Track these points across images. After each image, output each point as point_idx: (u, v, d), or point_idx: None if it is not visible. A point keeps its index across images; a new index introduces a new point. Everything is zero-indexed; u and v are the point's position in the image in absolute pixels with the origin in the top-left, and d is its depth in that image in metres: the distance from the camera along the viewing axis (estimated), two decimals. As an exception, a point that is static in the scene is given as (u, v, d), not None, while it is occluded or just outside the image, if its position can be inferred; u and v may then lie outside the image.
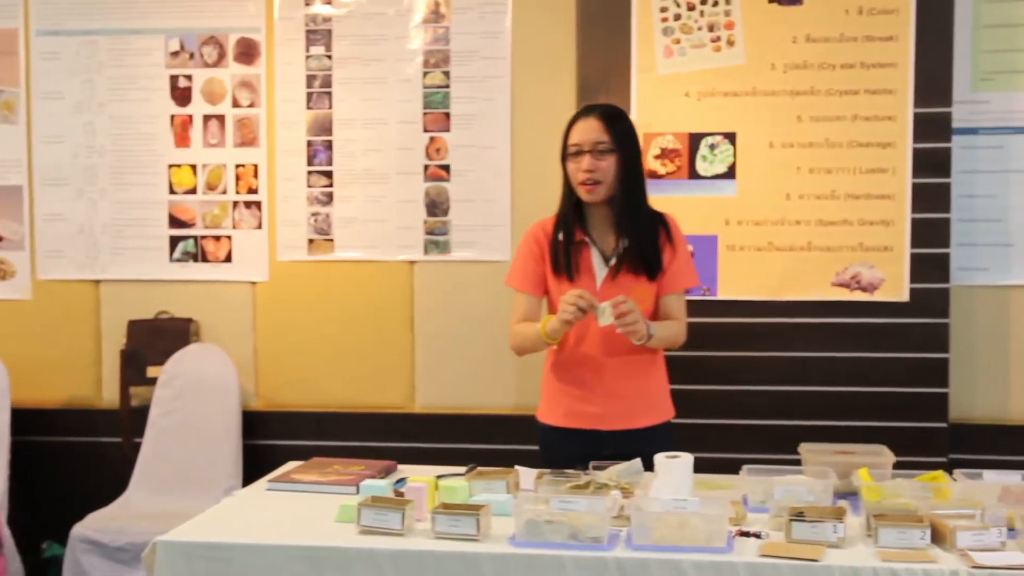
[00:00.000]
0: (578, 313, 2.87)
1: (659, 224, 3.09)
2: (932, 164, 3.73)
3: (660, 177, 3.81)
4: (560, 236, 3.08)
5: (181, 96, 4.20)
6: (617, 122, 3.04)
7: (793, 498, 2.49)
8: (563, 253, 3.06)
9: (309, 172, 4.16)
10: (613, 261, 3.04)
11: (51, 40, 4.24)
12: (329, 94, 4.13)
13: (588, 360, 3.06)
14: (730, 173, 3.82)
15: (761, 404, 3.80)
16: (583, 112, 3.08)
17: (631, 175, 3.03)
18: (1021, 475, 2.63)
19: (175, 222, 4.23)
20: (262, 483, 2.93)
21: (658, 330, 3.01)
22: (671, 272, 3.08)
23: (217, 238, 4.21)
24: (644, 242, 3.03)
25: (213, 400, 4.06)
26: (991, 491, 2.55)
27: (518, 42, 4.04)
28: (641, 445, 2.89)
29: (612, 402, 3.06)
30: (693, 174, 3.81)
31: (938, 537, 2.30)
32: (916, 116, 3.72)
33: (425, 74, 4.09)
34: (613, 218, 3.05)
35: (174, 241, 4.23)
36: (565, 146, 3.05)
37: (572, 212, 3.07)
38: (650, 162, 3.80)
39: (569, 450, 3.03)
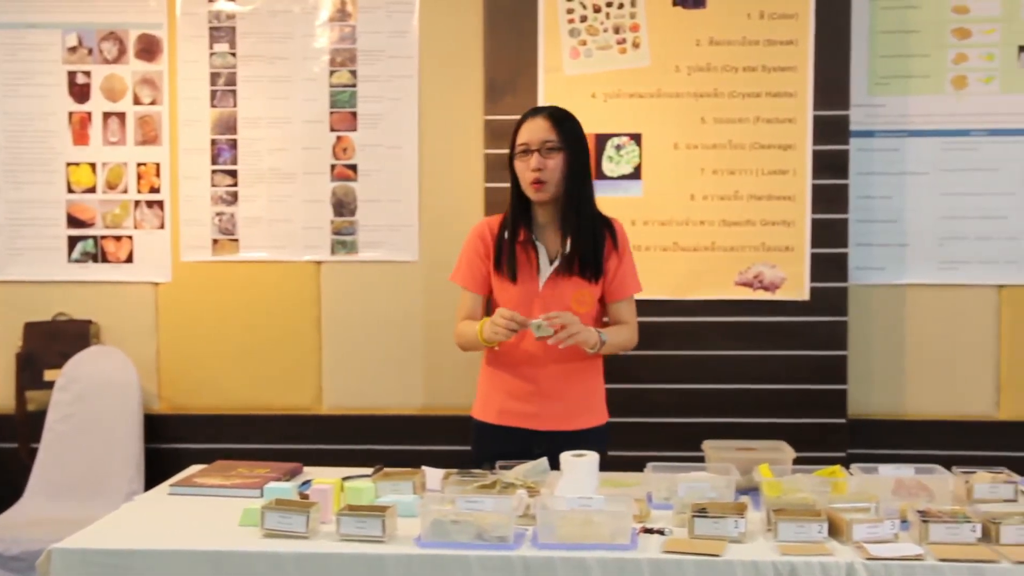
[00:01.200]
0: (509, 334, 2.89)
1: (605, 228, 3.10)
2: (831, 166, 3.82)
3: (567, 177, 3.83)
4: (505, 235, 3.08)
5: (80, 92, 4.10)
6: (565, 122, 3.05)
7: (696, 494, 2.53)
8: (508, 253, 3.06)
9: (213, 171, 4.09)
10: (557, 262, 3.05)
11: (-58, 33, 4.11)
12: (234, 92, 4.07)
13: (526, 360, 3.05)
14: (636, 174, 3.86)
15: (666, 402, 3.85)
16: (531, 112, 3.09)
17: (578, 174, 3.04)
18: (914, 468, 2.70)
19: (74, 222, 4.13)
20: (164, 487, 2.87)
21: (611, 336, 3.04)
22: (619, 278, 3.09)
23: (118, 238, 4.12)
24: (588, 243, 3.03)
25: (113, 403, 3.97)
26: (885, 485, 2.62)
27: (425, 42, 4.03)
28: (574, 447, 2.87)
29: (548, 403, 3.06)
30: (600, 174, 3.84)
31: (835, 530, 2.36)
32: (815, 119, 3.81)
33: (331, 73, 4.06)
34: (559, 218, 3.06)
35: (72, 241, 4.13)
36: (513, 146, 3.06)
37: (520, 212, 3.08)
38: (557, 162, 3.82)
39: (501, 448, 3.02)
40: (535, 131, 3.02)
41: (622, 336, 3.11)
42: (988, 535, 2.32)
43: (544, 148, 2.99)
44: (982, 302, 3.98)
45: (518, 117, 3.09)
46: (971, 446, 3.84)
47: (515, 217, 3.08)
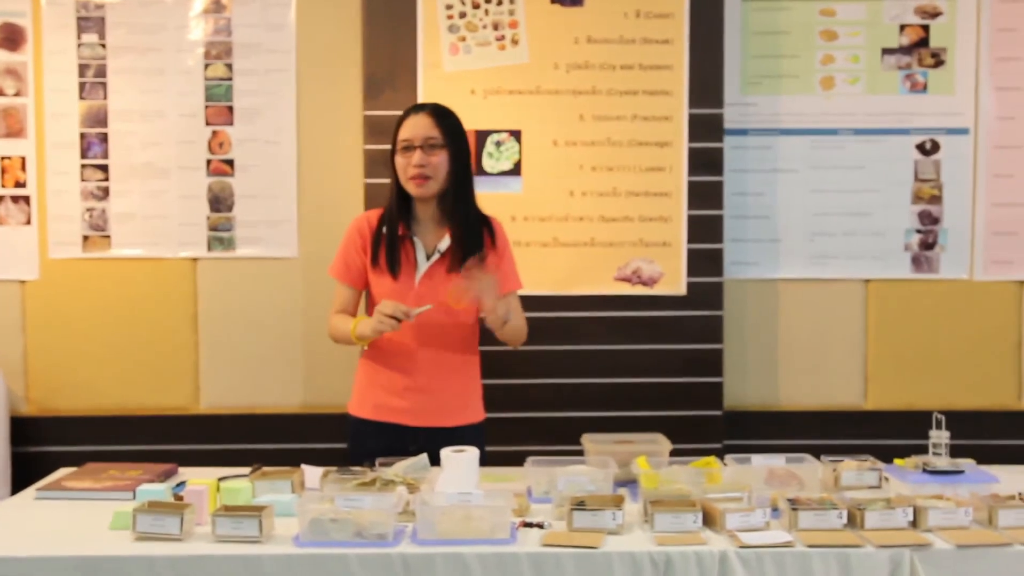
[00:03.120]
0: (396, 324, 2.88)
1: (484, 226, 3.11)
2: (706, 163, 3.90)
3: (447, 173, 3.82)
4: (384, 230, 3.07)
5: (-61, 83, 3.94)
6: (446, 119, 3.07)
7: (575, 488, 2.55)
8: (386, 247, 3.06)
9: (83, 165, 3.97)
10: (435, 257, 3.05)
11: None
12: (104, 84, 3.96)
13: (401, 354, 3.05)
14: (516, 170, 3.88)
15: (546, 397, 3.88)
16: (413, 109, 3.09)
17: (460, 171, 3.06)
18: (785, 458, 2.78)
19: (-67, 217, 3.96)
20: (30, 492, 2.79)
21: (513, 318, 3.05)
22: (500, 275, 3.09)
23: (-19, 234, 3.97)
24: (468, 240, 3.05)
25: (-23, 406, 3.83)
26: (758, 474, 2.69)
27: (303, 36, 3.98)
28: (449, 444, 2.87)
29: (421, 398, 3.06)
30: (480, 170, 3.84)
31: (709, 520, 2.42)
32: (691, 117, 3.88)
33: (206, 66, 3.98)
34: (439, 214, 3.07)
35: (-68, 238, 3.96)
36: (395, 141, 3.05)
37: (398, 207, 3.07)
38: (437, 158, 3.81)
39: (376, 444, 3.01)
40: (418, 127, 3.02)
41: (519, 322, 3.15)
42: (853, 521, 2.41)
43: (427, 145, 3.01)
44: (850, 296, 4.11)
45: (398, 113, 3.09)
46: (840, 435, 3.97)
47: (393, 213, 3.08)
